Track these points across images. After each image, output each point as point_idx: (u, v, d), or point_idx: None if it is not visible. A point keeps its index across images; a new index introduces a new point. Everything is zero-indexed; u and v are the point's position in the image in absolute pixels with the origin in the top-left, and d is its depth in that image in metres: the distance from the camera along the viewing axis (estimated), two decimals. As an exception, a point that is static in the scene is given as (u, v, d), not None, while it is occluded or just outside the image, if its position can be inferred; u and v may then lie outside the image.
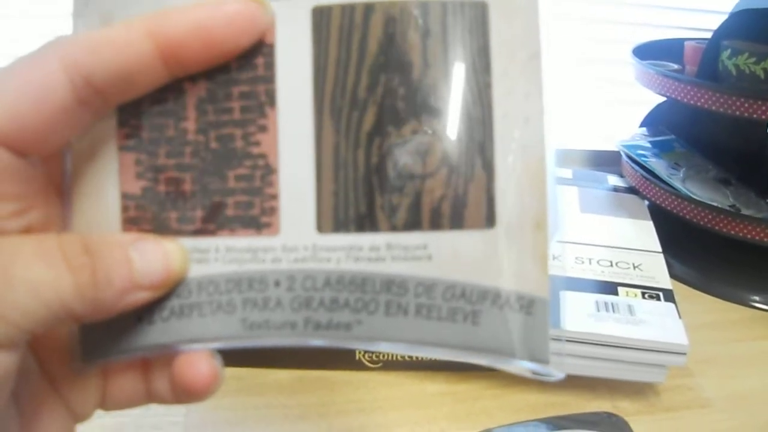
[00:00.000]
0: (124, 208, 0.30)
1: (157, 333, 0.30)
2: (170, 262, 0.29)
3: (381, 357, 0.58)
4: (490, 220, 0.29)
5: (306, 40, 0.29)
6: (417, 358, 0.58)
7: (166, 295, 0.30)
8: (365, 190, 0.29)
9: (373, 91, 0.29)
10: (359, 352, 0.58)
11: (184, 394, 0.31)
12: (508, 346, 0.29)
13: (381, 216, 0.29)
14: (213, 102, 0.30)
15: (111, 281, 0.27)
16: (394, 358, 0.58)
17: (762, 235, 0.68)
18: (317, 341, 0.30)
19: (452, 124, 0.29)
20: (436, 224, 0.29)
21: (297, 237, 0.30)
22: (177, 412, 0.53)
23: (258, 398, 0.56)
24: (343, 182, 0.29)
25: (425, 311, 0.29)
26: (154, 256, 0.29)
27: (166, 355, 0.31)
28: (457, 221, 0.29)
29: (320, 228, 0.30)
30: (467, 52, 0.29)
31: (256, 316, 0.30)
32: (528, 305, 0.29)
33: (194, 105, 0.30)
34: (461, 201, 0.29)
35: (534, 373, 0.29)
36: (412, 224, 0.29)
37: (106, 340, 0.30)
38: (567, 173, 0.82)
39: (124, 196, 0.30)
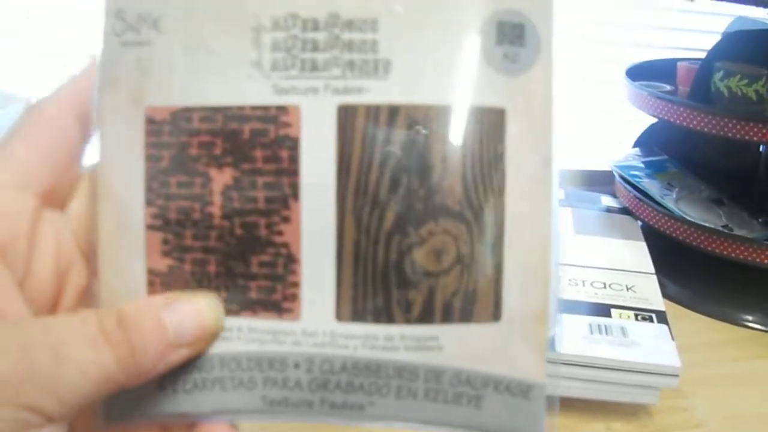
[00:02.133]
0: (150, 283, 0.31)
1: (179, 403, 0.31)
2: (204, 319, 0.30)
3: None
4: (496, 315, 0.31)
5: (331, 137, 0.30)
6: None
7: (189, 368, 0.31)
8: (383, 285, 0.31)
9: (395, 191, 0.30)
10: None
11: None
12: (506, 427, 0.31)
13: (397, 310, 0.31)
14: (238, 190, 0.31)
15: (146, 349, 0.28)
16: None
17: (754, 255, 0.68)
18: (332, 420, 0.32)
19: (467, 226, 0.30)
20: (447, 318, 0.31)
21: (317, 323, 0.31)
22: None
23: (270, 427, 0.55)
24: (362, 275, 0.31)
25: (433, 395, 0.31)
26: (188, 316, 0.30)
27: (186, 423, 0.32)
28: (466, 315, 0.31)
29: (339, 317, 0.31)
30: (485, 158, 0.30)
31: (276, 394, 0.31)
32: (526, 390, 0.31)
33: (220, 191, 0.31)
34: (471, 297, 0.31)
35: None
36: (426, 318, 0.31)
37: (129, 403, 0.31)
38: (560, 194, 0.82)
39: (150, 272, 0.31)
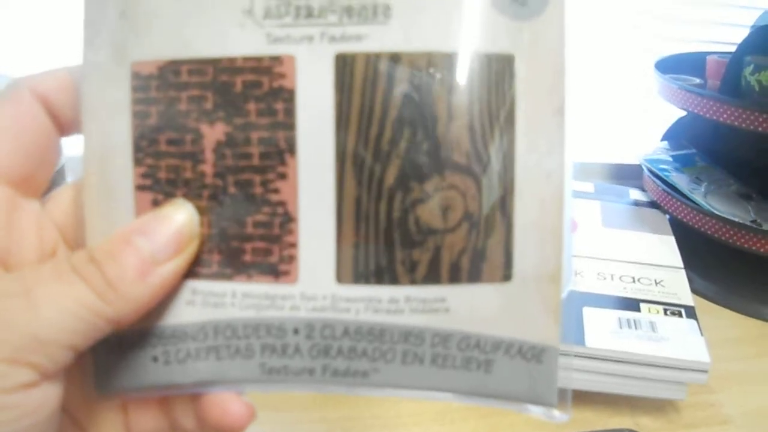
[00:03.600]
0: None
1: (172, 373, 0.30)
2: (176, 224, 0.29)
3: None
4: (506, 275, 0.29)
5: (328, 88, 0.29)
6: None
7: (181, 337, 0.30)
8: (386, 244, 0.29)
9: (397, 144, 0.29)
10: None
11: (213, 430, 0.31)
12: (518, 393, 0.30)
13: (401, 270, 0.29)
14: (232, 146, 0.30)
15: (123, 276, 0.27)
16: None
17: (783, 250, 0.68)
18: (334, 388, 0.30)
19: (474, 180, 0.29)
20: (454, 278, 0.29)
21: (316, 286, 0.30)
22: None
23: (283, 414, 0.56)
24: (364, 234, 0.29)
25: (440, 360, 0.30)
26: (160, 228, 0.28)
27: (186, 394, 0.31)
28: (475, 275, 0.29)
29: (340, 278, 0.30)
30: (492, 107, 0.29)
31: (275, 362, 0.30)
32: (539, 354, 0.30)
33: (212, 148, 0.30)
34: (480, 255, 0.29)
35: (543, 415, 0.30)
36: (432, 278, 0.29)
37: (121, 375, 0.30)
38: (589, 187, 0.82)
39: None
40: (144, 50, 0.30)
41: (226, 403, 0.30)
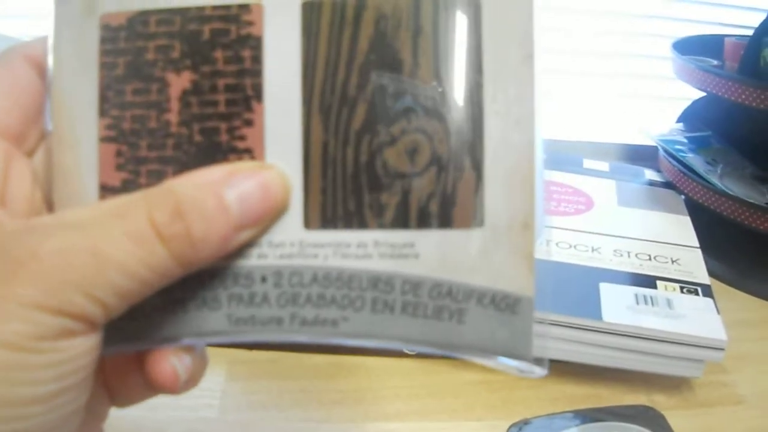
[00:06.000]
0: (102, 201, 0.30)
1: (140, 329, 0.30)
2: (271, 193, 0.29)
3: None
4: (478, 220, 0.29)
5: (295, 35, 0.29)
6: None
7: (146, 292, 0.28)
8: (354, 188, 0.29)
9: (363, 89, 0.29)
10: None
11: (154, 390, 0.31)
12: (491, 345, 0.29)
13: (369, 214, 0.29)
14: (197, 94, 0.30)
15: (208, 238, 0.27)
16: (431, 345, 0.58)
17: (799, 233, 0.68)
18: (303, 337, 0.30)
19: (442, 123, 0.29)
20: (423, 223, 0.29)
21: (283, 233, 0.30)
22: (212, 394, 0.54)
23: (294, 382, 0.56)
24: (331, 179, 0.29)
25: (411, 309, 0.29)
26: (253, 192, 0.28)
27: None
28: (445, 220, 0.29)
29: (307, 224, 0.30)
30: (459, 52, 0.29)
31: (242, 312, 0.30)
32: (513, 304, 0.29)
33: (178, 97, 0.30)
34: (450, 200, 0.29)
35: (518, 370, 0.30)
36: (400, 222, 0.29)
37: None
38: (604, 166, 0.82)
39: (103, 188, 0.30)
40: (113, 1, 0.30)
41: (161, 361, 0.30)
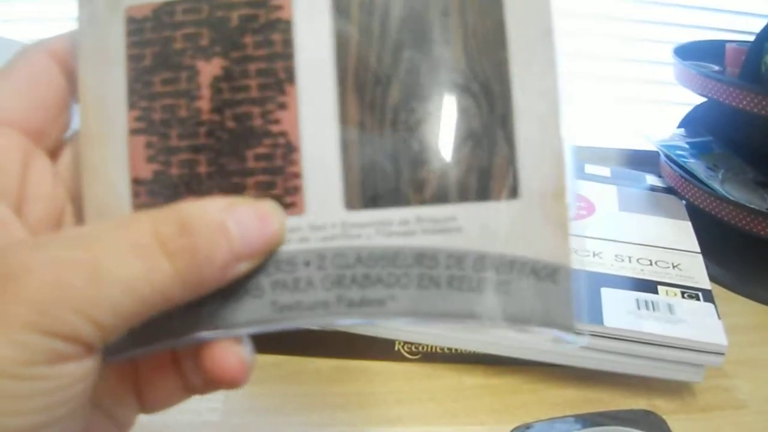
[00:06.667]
0: (135, 194, 0.30)
1: (179, 323, 0.29)
2: (268, 226, 0.28)
3: (420, 349, 0.58)
4: (514, 191, 0.29)
5: (326, 15, 0.29)
6: (455, 350, 0.58)
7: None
8: (393, 165, 0.29)
9: (396, 67, 0.29)
10: (399, 343, 0.58)
11: (215, 385, 0.30)
12: (536, 315, 0.29)
13: (409, 190, 0.29)
14: (229, 80, 0.29)
15: (212, 259, 0.26)
16: (433, 350, 0.58)
17: (800, 238, 0.68)
18: (351, 319, 0.29)
19: (475, 98, 0.29)
20: (463, 196, 0.29)
21: (324, 215, 0.29)
22: (215, 398, 0.54)
23: (297, 386, 0.56)
24: (370, 158, 0.29)
25: (457, 283, 0.29)
26: (251, 222, 0.27)
27: (194, 346, 0.29)
28: (483, 193, 0.29)
29: (349, 204, 0.29)
30: (485, 29, 0.30)
31: (287, 298, 0.29)
32: (553, 273, 0.29)
33: (209, 84, 0.30)
34: (486, 173, 0.29)
35: (556, 339, 0.30)
36: (441, 197, 0.29)
37: (126, 334, 0.28)
38: (605, 172, 0.82)
39: (135, 181, 0.30)
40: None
41: (223, 353, 0.29)
